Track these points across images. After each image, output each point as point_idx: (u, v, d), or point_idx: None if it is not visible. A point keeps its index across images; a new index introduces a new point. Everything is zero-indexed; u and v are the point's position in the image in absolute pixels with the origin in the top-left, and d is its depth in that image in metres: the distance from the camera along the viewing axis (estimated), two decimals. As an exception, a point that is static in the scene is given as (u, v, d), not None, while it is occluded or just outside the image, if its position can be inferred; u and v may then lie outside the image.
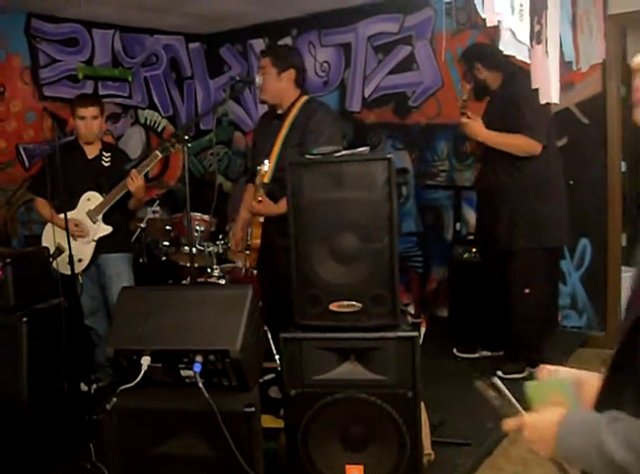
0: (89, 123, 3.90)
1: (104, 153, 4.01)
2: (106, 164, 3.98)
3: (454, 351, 4.38)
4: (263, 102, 3.55)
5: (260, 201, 3.33)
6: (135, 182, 3.76)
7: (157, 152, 3.72)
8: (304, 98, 3.49)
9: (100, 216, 3.88)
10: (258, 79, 3.63)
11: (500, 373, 3.94)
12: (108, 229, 3.91)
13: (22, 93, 5.07)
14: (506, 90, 3.85)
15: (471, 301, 4.37)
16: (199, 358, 2.27)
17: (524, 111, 3.70)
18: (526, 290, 3.93)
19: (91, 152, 4.00)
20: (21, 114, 5.05)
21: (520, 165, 3.81)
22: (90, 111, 3.89)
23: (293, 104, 3.45)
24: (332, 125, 3.37)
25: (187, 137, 3.34)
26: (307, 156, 2.61)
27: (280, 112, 3.49)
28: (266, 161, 3.32)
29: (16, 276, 3.08)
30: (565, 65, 3.64)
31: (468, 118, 3.69)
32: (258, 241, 3.43)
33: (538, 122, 3.75)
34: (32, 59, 5.13)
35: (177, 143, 3.56)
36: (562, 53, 3.30)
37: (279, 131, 3.41)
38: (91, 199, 3.90)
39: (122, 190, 3.81)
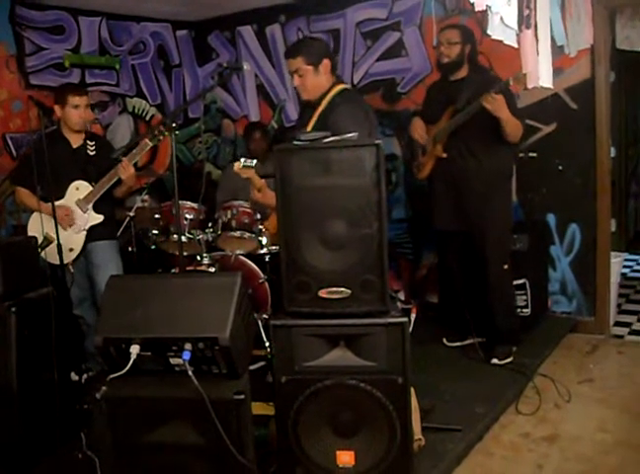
0: (83, 112, 3.88)
1: (88, 142, 4.00)
2: (91, 153, 3.97)
3: (444, 340, 4.39)
4: (307, 102, 3.37)
5: (259, 191, 3.29)
6: (127, 170, 3.75)
7: (147, 140, 3.70)
8: (337, 88, 3.32)
9: (90, 205, 3.87)
10: (246, 66, 3.58)
11: (496, 361, 3.97)
12: (99, 218, 3.91)
13: (7, 82, 5.01)
14: (478, 77, 3.90)
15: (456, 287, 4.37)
16: (188, 346, 2.26)
17: (512, 98, 3.82)
18: (505, 266, 4.01)
19: (75, 141, 3.98)
20: (7, 103, 5.00)
21: (499, 152, 3.92)
22: (84, 99, 3.89)
23: (326, 94, 3.31)
24: (351, 118, 3.14)
25: (174, 125, 3.31)
26: (295, 142, 2.59)
27: (311, 104, 3.35)
28: (242, 159, 3.17)
29: (4, 266, 3.08)
30: (556, 49, 3.64)
31: (496, 93, 3.63)
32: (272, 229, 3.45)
33: (519, 110, 3.95)
34: (17, 47, 5.07)
35: (166, 131, 3.54)
36: (553, 38, 3.30)
37: (309, 121, 3.33)
38: (80, 189, 3.89)
39: (113, 178, 3.80)
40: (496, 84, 3.61)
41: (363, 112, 3.27)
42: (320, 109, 3.30)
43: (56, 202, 3.74)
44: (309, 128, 3.26)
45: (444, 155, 4.00)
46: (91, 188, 3.87)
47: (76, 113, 3.87)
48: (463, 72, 3.96)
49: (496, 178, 3.96)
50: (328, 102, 3.29)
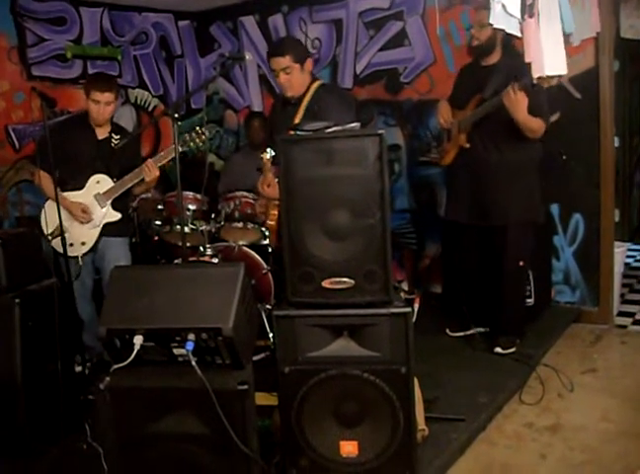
0: (102, 109, 3.78)
1: (113, 135, 3.92)
2: (115, 146, 3.92)
3: (447, 331, 4.37)
4: (290, 98, 3.52)
5: (269, 186, 3.39)
6: (152, 172, 3.72)
7: (179, 146, 3.65)
8: (316, 83, 3.54)
9: (109, 202, 3.82)
10: (248, 56, 3.59)
11: (499, 350, 3.97)
12: (116, 216, 3.87)
13: (9, 73, 5.01)
14: (509, 64, 3.74)
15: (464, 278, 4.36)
16: (191, 337, 2.26)
17: (540, 94, 3.66)
18: (521, 263, 3.96)
19: (100, 133, 3.90)
20: (9, 94, 5.00)
21: (524, 144, 3.80)
22: (105, 96, 3.76)
23: (307, 90, 3.50)
24: (340, 108, 3.37)
25: (177, 116, 3.30)
26: (298, 133, 2.59)
27: (293, 100, 3.52)
28: (268, 149, 3.36)
29: (8, 258, 3.08)
30: (565, 38, 3.58)
31: (519, 89, 3.51)
32: (274, 223, 3.46)
33: (546, 106, 3.78)
34: (19, 38, 5.07)
35: (198, 140, 3.55)
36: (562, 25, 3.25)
37: (293, 117, 3.43)
38: (101, 182, 3.83)
39: (136, 178, 3.76)
40: (521, 79, 3.45)
41: (348, 99, 3.57)
42: (304, 104, 3.47)
43: (75, 193, 3.73)
44: (297, 121, 3.34)
45: (467, 145, 3.93)
46: (112, 183, 3.82)
47: (95, 108, 3.77)
48: (495, 57, 3.85)
49: (519, 172, 3.86)
50: (312, 95, 3.49)
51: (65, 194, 3.73)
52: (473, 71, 4.01)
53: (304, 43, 3.68)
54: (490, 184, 3.89)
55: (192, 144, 3.64)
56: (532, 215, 3.97)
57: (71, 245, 3.72)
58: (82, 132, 3.82)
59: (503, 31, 2.93)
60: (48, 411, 3.12)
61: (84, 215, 3.78)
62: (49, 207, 3.76)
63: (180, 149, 3.62)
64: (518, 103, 3.54)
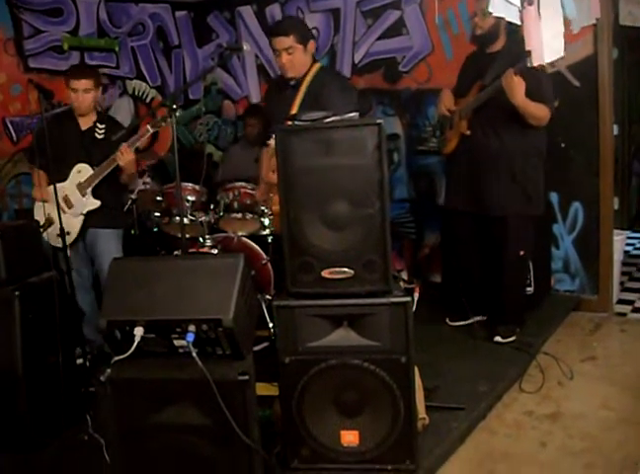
0: (80, 96, 3.80)
1: (97, 125, 3.93)
2: (99, 136, 3.91)
3: (447, 320, 4.37)
4: (290, 79, 3.49)
5: (274, 172, 3.33)
6: (125, 156, 3.70)
7: (148, 127, 3.67)
8: (316, 66, 3.51)
9: (89, 190, 3.83)
10: (246, 47, 3.58)
11: (499, 339, 3.97)
12: (96, 203, 3.86)
13: (6, 65, 5.00)
14: (513, 51, 3.67)
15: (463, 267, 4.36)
16: (191, 328, 2.26)
17: (542, 79, 3.65)
18: (521, 252, 3.95)
19: (85, 123, 3.92)
20: (6, 86, 4.98)
21: (526, 132, 3.78)
22: (82, 83, 3.78)
23: (307, 72, 3.47)
24: (344, 96, 3.34)
25: (175, 107, 3.29)
26: (296, 123, 2.58)
27: (293, 82, 3.49)
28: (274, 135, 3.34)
29: (7, 250, 3.08)
30: (566, 23, 3.55)
31: (516, 74, 3.49)
32: (277, 207, 3.46)
33: (551, 92, 3.76)
34: (15, 30, 5.05)
35: (169, 118, 3.52)
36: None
37: (293, 100, 3.41)
38: (82, 172, 3.85)
39: (112, 163, 3.75)
40: (518, 63, 3.44)
41: (350, 86, 3.56)
42: (304, 87, 3.42)
43: (60, 185, 3.73)
44: (296, 107, 3.32)
45: (468, 132, 3.91)
46: (92, 171, 3.84)
47: (74, 96, 3.81)
48: (499, 45, 3.82)
49: (521, 160, 3.82)
50: (312, 80, 3.43)
51: (49, 187, 3.73)
52: (477, 59, 3.98)
53: (307, 24, 3.61)
54: (489, 171, 3.86)
55: (163, 123, 3.61)
56: (532, 208, 3.93)
57: (58, 235, 3.73)
58: (67, 125, 3.84)
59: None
60: (49, 403, 3.12)
61: (65, 203, 3.80)
62: (39, 203, 3.83)
63: (151, 130, 3.64)
64: (515, 86, 3.52)
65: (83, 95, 3.82)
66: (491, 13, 3.51)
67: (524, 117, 3.67)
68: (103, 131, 3.92)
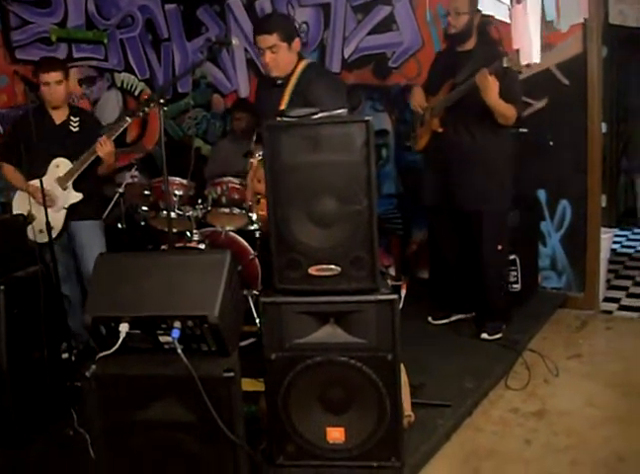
0: (53, 89, 3.79)
1: (72, 118, 3.93)
2: (74, 129, 3.90)
3: (429, 319, 4.37)
4: (275, 79, 3.42)
5: (259, 182, 3.34)
6: (105, 147, 3.69)
7: (126, 117, 3.66)
8: (303, 63, 3.43)
9: (70, 183, 3.82)
10: (235, 41, 3.58)
11: (485, 336, 3.99)
12: (78, 196, 3.85)
13: (-8, 56, 4.96)
14: (484, 50, 3.79)
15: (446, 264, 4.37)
16: (177, 324, 2.25)
17: (514, 80, 3.73)
18: (499, 247, 3.98)
19: (58, 117, 3.91)
20: (-8, 78, 4.95)
21: (497, 129, 3.83)
22: (52, 76, 3.77)
23: (293, 70, 3.40)
24: (332, 93, 3.27)
25: (162, 100, 3.27)
26: (284, 119, 2.57)
27: (279, 80, 3.42)
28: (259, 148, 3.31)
29: (-8, 244, 3.06)
30: (546, 25, 3.59)
31: (490, 74, 3.54)
32: (265, 213, 3.44)
33: (520, 93, 3.84)
34: (2, 21, 5.00)
35: (147, 106, 3.50)
36: (543, 12, 3.26)
37: (280, 99, 3.36)
38: (60, 166, 3.83)
39: (92, 155, 3.74)
40: (492, 63, 3.51)
41: (339, 83, 3.47)
42: (291, 85, 3.36)
43: (37, 180, 3.71)
44: (284, 105, 3.29)
45: (441, 129, 3.93)
46: (71, 165, 3.81)
47: (46, 89, 3.79)
48: (470, 44, 3.85)
49: (492, 156, 3.88)
50: (299, 77, 3.36)
51: (32, 182, 3.71)
52: (448, 57, 4.01)
53: (293, 21, 3.52)
54: (462, 167, 3.90)
55: (141, 112, 3.60)
56: (504, 203, 3.99)
57: (41, 231, 3.69)
58: (39, 121, 3.75)
59: (487, 17, 2.94)
60: (35, 398, 3.11)
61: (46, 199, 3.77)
62: (20, 198, 3.85)
63: (129, 120, 3.64)
64: (489, 85, 3.55)
65: (55, 87, 3.81)
66: (464, 12, 3.68)
67: (495, 115, 3.72)
68: (77, 124, 3.92)
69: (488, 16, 3.61)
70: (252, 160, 3.49)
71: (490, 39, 3.96)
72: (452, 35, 3.87)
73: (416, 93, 4.12)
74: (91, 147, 3.76)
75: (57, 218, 3.83)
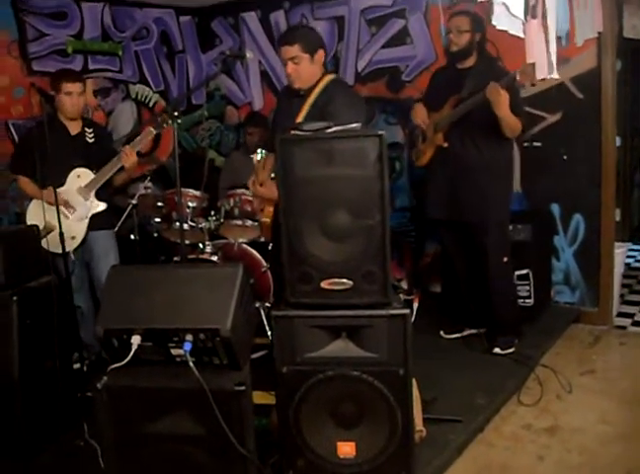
0: (75, 99, 3.84)
1: (86, 129, 3.97)
2: (90, 140, 3.95)
3: (441, 333, 4.35)
4: (298, 90, 3.38)
5: (261, 185, 3.38)
6: (130, 157, 3.74)
7: (151, 128, 3.69)
8: (328, 77, 3.39)
9: (92, 193, 3.85)
10: (249, 54, 3.59)
11: (497, 350, 3.96)
12: (102, 206, 3.89)
13: (9, 67, 4.99)
14: (485, 67, 3.85)
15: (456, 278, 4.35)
16: (189, 337, 2.25)
17: (519, 94, 3.82)
18: (505, 259, 3.98)
19: (73, 128, 3.95)
20: (9, 89, 4.98)
21: (501, 143, 3.88)
22: (77, 86, 3.83)
23: (317, 83, 3.36)
24: (351, 110, 3.21)
25: (176, 113, 3.29)
26: (298, 132, 2.57)
27: (302, 92, 3.38)
28: (259, 150, 3.36)
29: (6, 255, 3.08)
30: (561, 39, 3.59)
31: (502, 87, 3.57)
32: (268, 220, 3.45)
33: (522, 107, 3.92)
34: (19, 33, 5.05)
35: (170, 119, 3.52)
36: (558, 27, 3.26)
37: (299, 111, 3.34)
38: (81, 176, 3.86)
39: (116, 166, 3.78)
40: (504, 78, 3.55)
41: (360, 102, 3.38)
42: (311, 98, 3.33)
43: (57, 190, 3.73)
44: (301, 118, 3.29)
45: (445, 144, 3.95)
46: (93, 175, 3.84)
47: (69, 100, 3.82)
48: (471, 61, 3.90)
49: (497, 169, 3.92)
50: (320, 92, 3.33)
51: (47, 191, 3.71)
52: (449, 74, 4.04)
53: (318, 33, 3.48)
54: (469, 180, 3.91)
55: (164, 125, 3.63)
56: (506, 214, 4.04)
57: (73, 238, 3.77)
58: (54, 131, 3.75)
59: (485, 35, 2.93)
60: (46, 408, 3.12)
61: (66, 208, 3.80)
62: (34, 207, 3.86)
63: (154, 131, 3.66)
64: (501, 98, 3.57)
65: (78, 98, 3.86)
66: (466, 30, 3.77)
67: (503, 128, 3.74)
68: (92, 135, 3.97)
69: (485, 34, 3.85)
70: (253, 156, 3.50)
71: (488, 56, 4.05)
72: (454, 52, 3.92)
73: (418, 109, 4.16)
74: (111, 157, 3.79)
75: (80, 228, 3.86)
